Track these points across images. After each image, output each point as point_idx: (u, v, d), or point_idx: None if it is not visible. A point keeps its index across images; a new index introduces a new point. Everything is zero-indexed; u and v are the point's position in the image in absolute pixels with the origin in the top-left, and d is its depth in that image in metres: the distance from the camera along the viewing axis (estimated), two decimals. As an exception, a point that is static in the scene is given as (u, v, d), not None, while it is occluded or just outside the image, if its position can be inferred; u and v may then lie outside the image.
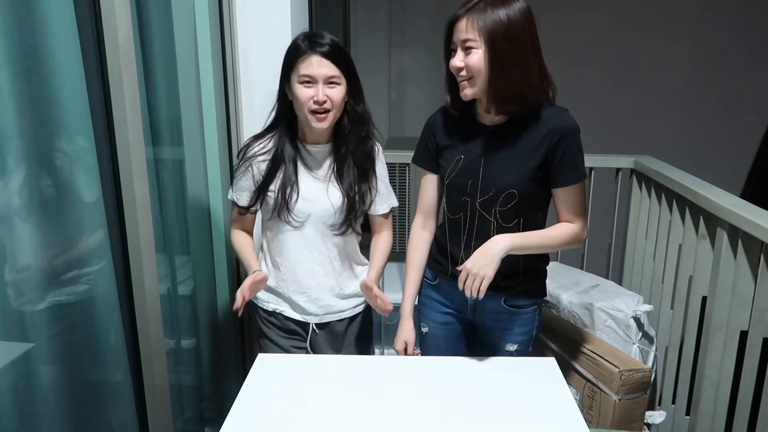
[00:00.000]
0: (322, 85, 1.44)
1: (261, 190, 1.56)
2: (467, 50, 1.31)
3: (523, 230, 1.41)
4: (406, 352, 1.58)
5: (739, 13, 4.59)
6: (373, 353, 1.86)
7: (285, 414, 1.18)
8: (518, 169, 1.38)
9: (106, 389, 1.43)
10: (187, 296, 1.86)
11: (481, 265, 1.29)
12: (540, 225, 1.45)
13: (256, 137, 1.60)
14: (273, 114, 1.58)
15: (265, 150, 1.56)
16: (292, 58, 1.46)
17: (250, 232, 1.68)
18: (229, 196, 1.66)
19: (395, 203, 1.67)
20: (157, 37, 1.61)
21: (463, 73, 1.33)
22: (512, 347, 1.49)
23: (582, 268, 2.50)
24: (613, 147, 2.84)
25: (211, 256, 1.98)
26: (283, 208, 1.54)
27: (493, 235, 1.36)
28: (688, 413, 1.95)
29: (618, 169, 2.52)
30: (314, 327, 1.66)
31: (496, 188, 1.39)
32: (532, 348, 1.56)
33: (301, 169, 1.56)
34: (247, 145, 1.59)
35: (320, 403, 1.22)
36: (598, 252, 2.63)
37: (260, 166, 1.56)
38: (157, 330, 1.54)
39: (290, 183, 1.53)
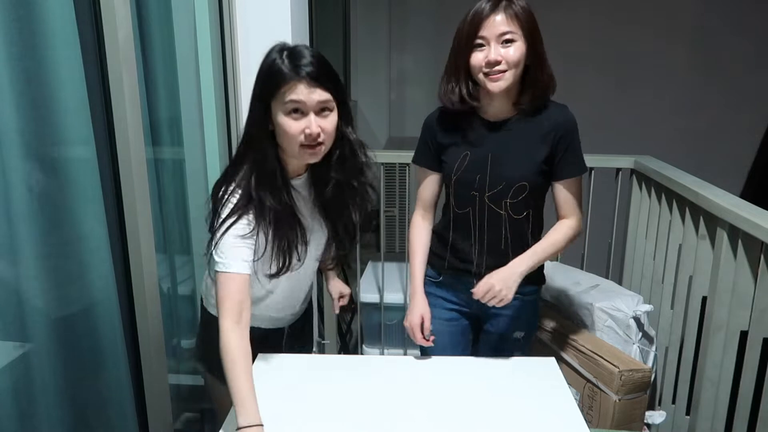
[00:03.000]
0: (313, 115, 1.19)
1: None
2: (506, 43, 1.33)
3: (532, 222, 1.48)
4: (422, 329, 1.51)
5: (739, 13, 4.59)
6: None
7: (285, 414, 1.18)
8: (527, 162, 1.43)
9: (106, 389, 1.43)
10: (187, 296, 1.86)
11: (506, 287, 1.37)
12: (542, 217, 1.52)
13: (232, 183, 1.24)
14: (243, 147, 1.26)
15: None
16: (274, 83, 1.18)
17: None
18: (232, 269, 1.20)
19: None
20: (157, 37, 1.61)
21: (502, 66, 1.34)
22: (520, 334, 1.55)
23: (582, 268, 2.50)
24: (613, 147, 2.84)
25: (211, 256, 1.98)
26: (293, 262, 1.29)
27: (505, 228, 1.44)
28: (688, 413, 1.95)
29: (618, 169, 2.52)
30: (288, 329, 1.52)
31: (507, 181, 1.43)
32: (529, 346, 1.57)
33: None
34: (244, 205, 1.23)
35: (320, 403, 1.22)
36: (598, 252, 2.63)
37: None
38: (157, 330, 1.54)
39: (296, 235, 1.28)
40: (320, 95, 1.19)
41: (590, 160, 2.53)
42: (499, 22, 1.32)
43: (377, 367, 1.39)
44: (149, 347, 1.51)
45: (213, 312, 1.41)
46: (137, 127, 1.41)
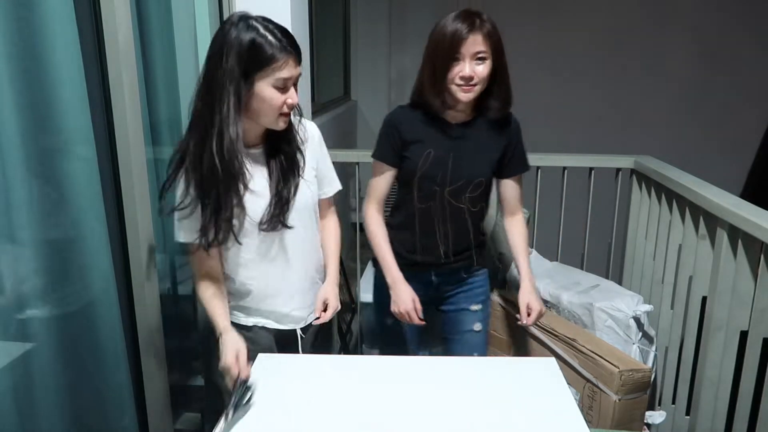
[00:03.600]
0: (292, 88, 1.30)
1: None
2: (479, 60, 1.50)
3: (483, 212, 1.72)
4: (415, 311, 1.58)
5: (739, 13, 4.58)
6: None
7: (285, 414, 1.18)
8: (485, 161, 1.63)
9: (106, 389, 1.43)
10: (187, 296, 1.86)
11: (539, 301, 1.62)
12: (487, 207, 1.78)
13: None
14: (206, 114, 1.26)
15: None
16: (265, 58, 1.23)
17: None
18: (183, 239, 1.36)
19: (339, 187, 1.57)
20: (157, 37, 1.61)
21: (474, 80, 1.50)
22: (476, 307, 1.75)
23: (582, 268, 2.50)
24: (613, 147, 2.84)
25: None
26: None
27: (464, 219, 1.65)
28: (688, 413, 1.95)
29: (618, 169, 2.52)
30: (300, 332, 1.52)
31: (467, 178, 1.61)
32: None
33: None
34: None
35: (320, 403, 1.22)
36: (598, 252, 2.63)
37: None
38: (157, 330, 1.54)
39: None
40: (298, 71, 1.30)
41: (590, 160, 2.55)
42: (475, 42, 1.48)
43: (377, 368, 1.39)
44: (149, 347, 1.51)
45: None
46: (137, 127, 1.41)
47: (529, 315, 1.60)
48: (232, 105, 1.24)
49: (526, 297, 1.60)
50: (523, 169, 1.70)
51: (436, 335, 1.80)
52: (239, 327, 1.44)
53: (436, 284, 1.73)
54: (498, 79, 1.55)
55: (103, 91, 1.34)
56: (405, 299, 1.59)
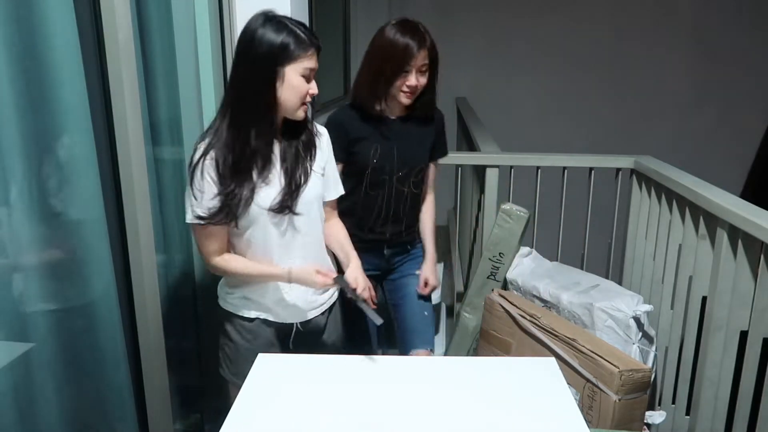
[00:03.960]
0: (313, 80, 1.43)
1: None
2: (422, 72, 1.72)
3: (421, 194, 1.95)
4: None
5: (739, 13, 4.58)
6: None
7: (285, 414, 1.18)
8: (423, 149, 1.88)
9: (106, 389, 1.43)
10: (187, 296, 1.86)
11: (436, 276, 1.97)
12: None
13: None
14: (244, 104, 1.38)
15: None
16: (298, 49, 1.36)
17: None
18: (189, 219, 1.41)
19: (342, 191, 1.64)
20: (157, 37, 1.61)
21: (418, 89, 1.74)
22: (418, 271, 1.96)
23: (582, 268, 2.50)
24: (613, 147, 2.84)
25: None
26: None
27: (406, 201, 1.87)
28: (688, 413, 1.95)
29: (618, 169, 2.52)
30: (299, 326, 1.56)
31: (411, 165, 1.84)
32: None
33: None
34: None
35: (320, 403, 1.22)
36: (598, 252, 2.63)
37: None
38: (157, 330, 1.54)
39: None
40: (317, 63, 1.43)
41: (590, 160, 2.55)
42: (422, 57, 1.70)
43: (376, 367, 1.39)
44: (149, 347, 1.51)
45: (227, 308, 1.54)
46: (137, 127, 1.40)
47: (426, 287, 1.91)
48: (269, 93, 1.37)
49: (427, 272, 1.93)
50: (443, 153, 1.98)
51: (387, 304, 2.02)
52: (241, 319, 1.52)
53: (388, 257, 1.94)
54: (431, 83, 1.78)
55: (103, 91, 1.34)
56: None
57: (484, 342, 2.22)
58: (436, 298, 2.86)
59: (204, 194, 1.38)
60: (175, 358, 1.73)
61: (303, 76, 1.39)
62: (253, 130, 1.38)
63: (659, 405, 2.16)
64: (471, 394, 1.26)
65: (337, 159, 1.72)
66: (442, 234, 4.08)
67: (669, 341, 2.09)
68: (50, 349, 1.26)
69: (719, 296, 1.74)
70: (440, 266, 2.79)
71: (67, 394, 1.32)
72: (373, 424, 1.16)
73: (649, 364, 1.99)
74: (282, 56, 1.36)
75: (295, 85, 1.39)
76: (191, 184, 1.39)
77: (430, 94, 1.81)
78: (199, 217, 1.39)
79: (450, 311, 3.09)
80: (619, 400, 1.74)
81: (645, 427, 1.88)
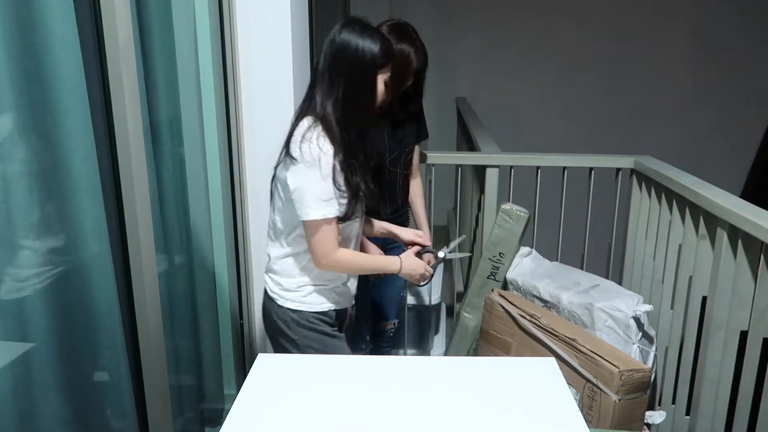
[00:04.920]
0: None
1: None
2: (416, 74, 1.94)
3: (409, 176, 2.16)
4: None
5: (738, 13, 4.58)
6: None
7: (285, 414, 1.18)
8: (410, 131, 2.09)
9: (106, 389, 1.43)
10: (187, 296, 1.86)
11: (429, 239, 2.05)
12: None
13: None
14: (356, 101, 1.52)
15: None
16: (388, 59, 1.53)
17: None
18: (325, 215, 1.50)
19: None
20: (157, 37, 1.61)
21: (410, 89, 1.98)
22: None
23: (582, 268, 2.50)
24: (613, 147, 2.84)
25: (211, 256, 1.98)
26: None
27: (399, 181, 2.10)
28: (688, 413, 1.95)
29: (618, 169, 2.52)
30: (350, 310, 1.75)
31: (400, 147, 2.05)
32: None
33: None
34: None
35: (320, 403, 1.22)
36: (598, 252, 2.63)
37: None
38: (157, 330, 1.54)
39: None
40: None
41: (590, 160, 2.55)
42: (415, 63, 1.90)
43: (376, 367, 1.39)
44: (149, 347, 1.51)
45: (302, 308, 1.62)
46: (137, 127, 1.40)
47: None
48: (373, 96, 1.53)
49: (424, 229, 2.12)
50: (425, 136, 2.17)
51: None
52: (319, 314, 1.64)
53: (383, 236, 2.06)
54: (419, 89, 2.01)
55: (103, 91, 1.34)
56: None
57: (484, 342, 2.22)
58: (436, 298, 2.87)
59: (339, 191, 1.49)
60: (175, 358, 1.74)
61: (384, 83, 1.54)
62: (362, 131, 1.54)
63: (659, 405, 2.16)
64: (471, 394, 1.26)
65: None
66: (442, 234, 4.08)
67: (669, 341, 2.09)
68: (50, 350, 1.26)
69: (719, 296, 1.74)
70: (440, 267, 2.79)
71: (67, 394, 1.31)
72: (373, 424, 1.16)
73: (649, 364, 1.99)
74: (378, 63, 1.51)
75: (379, 92, 1.54)
76: (324, 181, 1.47)
77: (417, 106, 2.04)
78: (335, 214, 1.50)
79: (450, 311, 3.09)
80: (619, 400, 1.74)
81: (645, 427, 1.88)
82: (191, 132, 1.82)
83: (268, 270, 1.68)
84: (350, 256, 1.62)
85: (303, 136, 1.48)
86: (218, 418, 1.98)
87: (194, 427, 1.93)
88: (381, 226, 1.84)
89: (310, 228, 1.52)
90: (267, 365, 1.36)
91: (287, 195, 1.54)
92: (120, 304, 1.42)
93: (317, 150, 1.46)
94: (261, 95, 2.02)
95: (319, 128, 1.49)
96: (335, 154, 1.48)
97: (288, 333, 1.63)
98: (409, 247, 1.81)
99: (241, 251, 2.11)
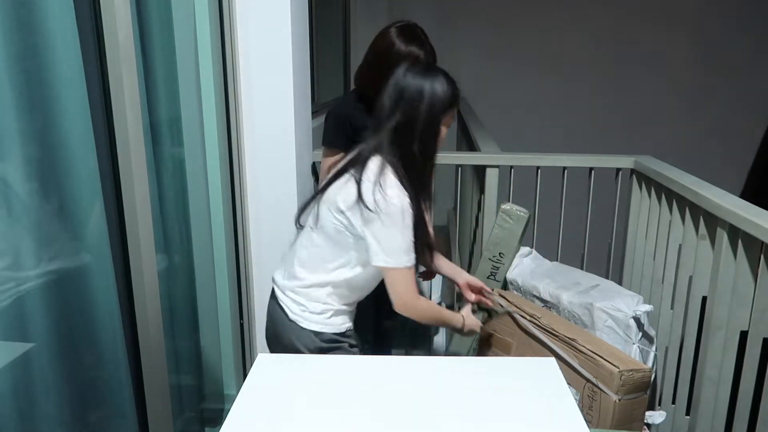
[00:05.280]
0: None
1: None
2: None
3: None
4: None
5: (739, 13, 4.58)
6: None
7: (285, 414, 1.18)
8: None
9: (106, 389, 1.43)
10: (187, 296, 1.86)
11: None
12: None
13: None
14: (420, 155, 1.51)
15: None
16: (455, 103, 1.53)
17: None
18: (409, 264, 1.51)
19: None
20: (157, 37, 1.61)
21: None
22: None
23: (582, 268, 2.50)
24: (613, 147, 2.83)
25: (211, 256, 1.98)
26: None
27: None
28: (688, 413, 1.95)
29: (618, 169, 2.52)
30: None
31: None
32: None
33: None
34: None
35: (320, 403, 1.22)
36: (598, 252, 2.63)
37: None
38: (157, 330, 1.54)
39: None
40: None
41: (590, 160, 2.55)
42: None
43: (376, 367, 1.39)
44: (149, 347, 1.51)
45: (329, 330, 1.60)
46: (137, 127, 1.40)
47: None
48: (435, 143, 1.53)
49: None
50: None
51: None
52: (343, 335, 1.63)
53: None
54: None
55: (103, 91, 1.34)
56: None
57: (484, 342, 2.22)
58: (436, 298, 2.87)
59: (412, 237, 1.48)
60: (175, 358, 1.74)
61: (445, 126, 1.53)
62: (423, 175, 1.52)
63: (659, 405, 2.16)
64: (471, 394, 1.26)
65: (341, 147, 1.93)
66: (442, 234, 4.08)
67: (669, 341, 2.09)
68: (50, 350, 1.26)
69: (719, 296, 1.74)
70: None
71: (67, 394, 1.32)
72: (373, 424, 1.16)
73: (649, 364, 1.99)
74: (448, 108, 1.50)
75: (442, 136, 1.54)
76: (407, 232, 1.47)
77: None
78: (414, 261, 1.51)
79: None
80: (619, 400, 1.74)
81: (645, 427, 1.88)
82: (191, 132, 1.82)
83: (292, 291, 1.61)
84: (428, 306, 1.66)
85: (378, 184, 1.44)
86: (218, 418, 1.98)
87: (194, 427, 1.93)
88: (451, 267, 1.88)
89: (393, 275, 1.52)
90: (267, 365, 1.36)
91: (348, 229, 1.50)
92: (120, 304, 1.42)
93: (399, 203, 1.44)
94: (261, 95, 2.02)
95: (391, 174, 1.46)
96: (409, 199, 1.46)
97: (304, 353, 1.61)
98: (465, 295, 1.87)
99: (241, 251, 2.11)
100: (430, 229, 1.73)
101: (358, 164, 1.50)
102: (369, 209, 1.43)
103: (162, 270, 1.64)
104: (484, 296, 1.88)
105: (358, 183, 1.46)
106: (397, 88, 1.49)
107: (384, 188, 1.43)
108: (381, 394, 1.26)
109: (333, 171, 1.59)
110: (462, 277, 1.87)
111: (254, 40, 1.97)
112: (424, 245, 1.55)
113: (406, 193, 1.45)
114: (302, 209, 1.65)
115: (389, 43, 1.88)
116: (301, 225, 1.64)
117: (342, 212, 1.49)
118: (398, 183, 1.46)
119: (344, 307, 1.63)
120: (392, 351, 2.50)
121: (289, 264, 1.63)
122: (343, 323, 1.63)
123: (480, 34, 4.77)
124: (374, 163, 1.48)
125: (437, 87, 1.48)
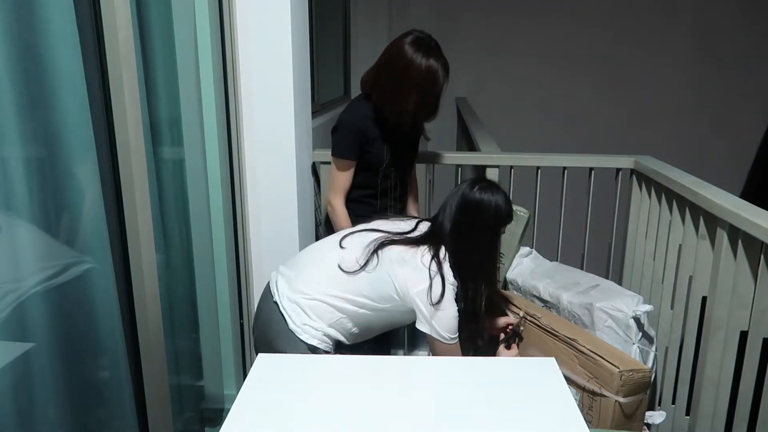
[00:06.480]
0: None
1: None
2: None
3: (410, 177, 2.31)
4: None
5: (739, 13, 4.58)
6: None
7: (285, 414, 1.18)
8: (415, 145, 2.22)
9: (106, 389, 1.43)
10: (187, 296, 1.86)
11: None
12: None
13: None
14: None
15: None
16: (510, 216, 1.69)
17: None
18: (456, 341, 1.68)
19: None
20: (157, 37, 1.61)
21: None
22: None
23: (582, 268, 2.50)
24: (613, 147, 2.83)
25: (211, 256, 1.98)
26: None
27: (404, 186, 2.23)
28: (688, 413, 1.95)
29: (618, 169, 2.52)
30: None
31: (408, 158, 2.20)
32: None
33: None
34: None
35: (320, 403, 1.22)
36: (598, 252, 2.63)
37: None
38: (157, 330, 1.54)
39: None
40: None
41: (590, 160, 2.55)
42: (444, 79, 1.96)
43: (375, 367, 1.39)
44: (149, 347, 1.51)
45: (311, 342, 1.63)
46: (137, 127, 1.40)
47: None
48: (497, 244, 1.71)
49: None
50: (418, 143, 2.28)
51: None
52: (342, 345, 1.71)
53: None
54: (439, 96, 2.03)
55: (103, 91, 1.34)
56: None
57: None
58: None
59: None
60: (175, 358, 1.74)
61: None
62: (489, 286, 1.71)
63: (659, 405, 2.16)
64: (471, 394, 1.26)
65: (353, 159, 2.05)
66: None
67: (669, 341, 2.09)
68: (50, 350, 1.26)
69: (719, 296, 1.74)
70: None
71: (67, 394, 1.31)
72: (373, 424, 1.16)
73: (649, 364, 1.99)
74: (502, 222, 1.68)
75: (496, 245, 1.71)
76: (456, 318, 1.63)
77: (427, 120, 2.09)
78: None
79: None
80: (620, 400, 1.74)
81: (645, 427, 1.88)
82: (191, 132, 1.82)
83: (297, 303, 1.64)
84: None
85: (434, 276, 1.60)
86: (218, 418, 1.98)
87: (194, 427, 1.93)
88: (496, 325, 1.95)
89: (440, 344, 1.65)
90: (267, 365, 1.36)
91: (400, 298, 1.63)
92: (120, 303, 1.42)
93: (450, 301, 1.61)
94: (261, 95, 2.02)
95: (450, 287, 1.61)
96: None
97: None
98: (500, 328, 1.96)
99: (241, 251, 2.11)
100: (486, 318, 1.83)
101: (423, 243, 1.65)
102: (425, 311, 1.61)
103: (162, 270, 1.64)
104: (511, 329, 1.97)
105: (431, 279, 1.60)
106: (460, 197, 1.67)
107: (441, 282, 1.60)
108: (381, 394, 1.26)
109: (388, 220, 1.77)
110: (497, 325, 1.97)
111: (254, 40, 1.97)
112: (473, 332, 1.70)
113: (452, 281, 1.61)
114: (348, 234, 1.73)
115: (408, 59, 1.90)
116: (342, 246, 1.68)
117: (404, 295, 1.62)
118: (451, 295, 1.61)
119: (342, 339, 1.70)
120: (392, 351, 2.50)
121: (305, 274, 1.68)
122: (339, 347, 1.69)
123: (480, 35, 4.77)
124: (427, 256, 1.62)
125: (497, 199, 1.65)
